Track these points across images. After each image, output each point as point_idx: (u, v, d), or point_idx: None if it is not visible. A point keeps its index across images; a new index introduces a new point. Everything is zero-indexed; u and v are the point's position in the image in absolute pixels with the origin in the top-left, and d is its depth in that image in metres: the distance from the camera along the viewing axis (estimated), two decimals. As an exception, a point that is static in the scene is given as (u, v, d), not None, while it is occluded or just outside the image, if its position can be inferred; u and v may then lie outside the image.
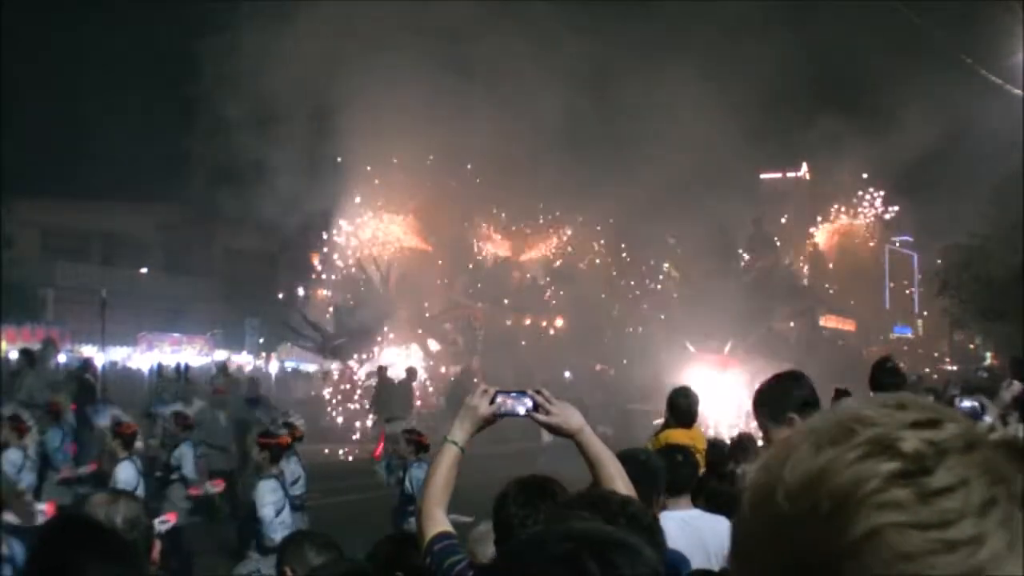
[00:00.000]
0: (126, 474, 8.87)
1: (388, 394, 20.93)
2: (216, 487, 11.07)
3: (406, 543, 3.66)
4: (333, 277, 28.71)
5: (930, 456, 0.76)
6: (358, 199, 28.57)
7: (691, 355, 27.18)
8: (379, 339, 26.66)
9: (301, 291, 28.96)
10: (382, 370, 21.82)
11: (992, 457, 0.78)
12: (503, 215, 32.66)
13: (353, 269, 28.21)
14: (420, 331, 27.70)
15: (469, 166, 29.15)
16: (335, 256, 28.78)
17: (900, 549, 0.74)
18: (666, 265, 34.77)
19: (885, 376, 5.78)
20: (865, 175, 48.72)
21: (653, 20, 29.05)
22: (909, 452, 0.76)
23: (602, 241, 34.51)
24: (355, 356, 26.18)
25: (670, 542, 3.91)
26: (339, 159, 26.94)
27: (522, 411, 2.92)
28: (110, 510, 2.51)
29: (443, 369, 27.59)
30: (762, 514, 0.80)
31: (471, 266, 32.14)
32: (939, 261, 35.89)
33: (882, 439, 0.77)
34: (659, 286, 34.06)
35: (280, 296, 28.56)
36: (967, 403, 5.26)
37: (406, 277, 28.56)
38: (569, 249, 34.32)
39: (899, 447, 0.76)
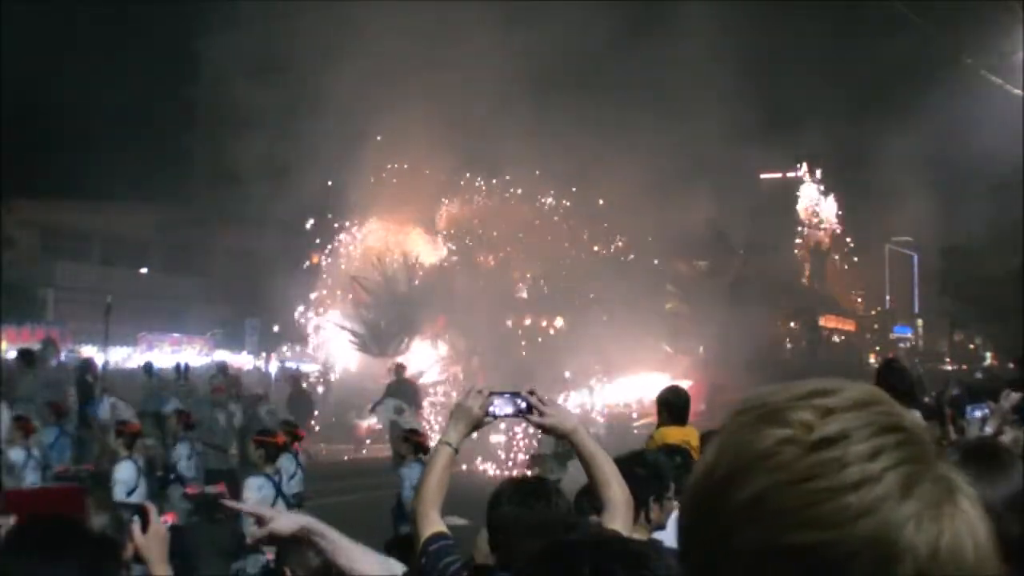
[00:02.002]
0: (125, 473, 8.88)
1: (299, 402, 20.95)
2: (217, 490, 11.09)
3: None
4: (341, 269, 28.56)
5: (815, 419, 0.78)
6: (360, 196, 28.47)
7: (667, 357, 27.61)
8: (407, 337, 26.61)
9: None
10: (296, 381, 21.89)
11: (884, 411, 0.80)
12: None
13: (373, 264, 28.03)
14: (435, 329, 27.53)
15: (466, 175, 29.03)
16: (342, 254, 28.67)
17: (784, 506, 0.76)
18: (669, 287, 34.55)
19: (892, 376, 5.73)
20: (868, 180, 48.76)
21: (648, 20, 29.00)
22: (796, 419, 0.79)
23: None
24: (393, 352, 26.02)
25: (667, 542, 3.94)
26: (344, 160, 26.88)
27: (515, 412, 2.92)
28: None
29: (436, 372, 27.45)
30: (685, 502, 0.85)
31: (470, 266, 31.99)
32: (940, 261, 35.99)
33: (769, 414, 0.80)
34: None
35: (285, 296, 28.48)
36: (978, 412, 5.09)
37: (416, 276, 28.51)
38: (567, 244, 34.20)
39: (785, 416, 0.79)
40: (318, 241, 28.86)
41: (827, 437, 0.77)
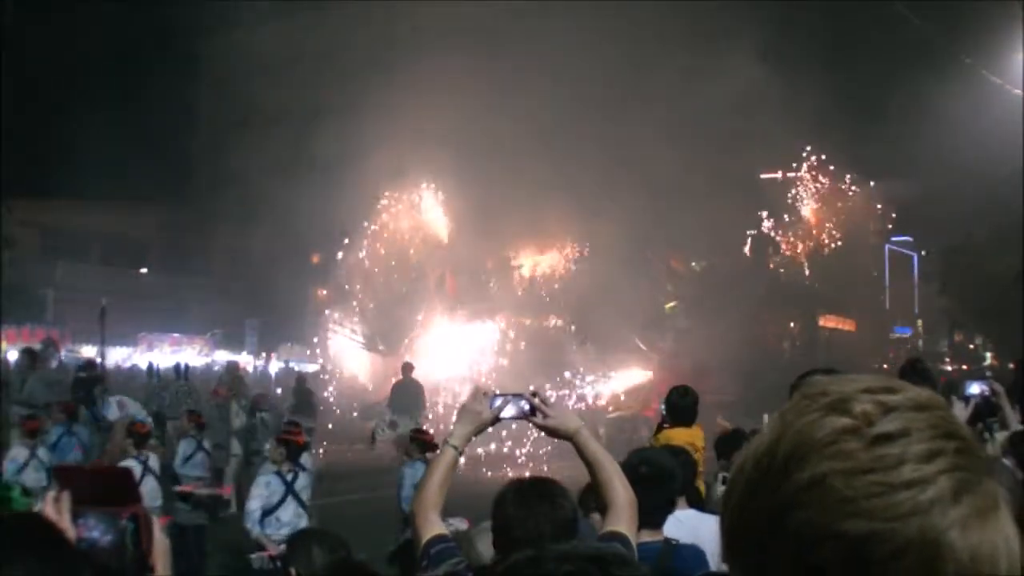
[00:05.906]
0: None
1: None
2: (210, 491, 11.11)
3: None
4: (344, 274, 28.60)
5: (878, 414, 0.81)
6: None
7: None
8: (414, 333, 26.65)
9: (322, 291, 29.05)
10: (300, 380, 21.98)
11: (943, 417, 0.83)
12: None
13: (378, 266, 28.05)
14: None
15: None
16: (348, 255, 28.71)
17: (841, 494, 0.78)
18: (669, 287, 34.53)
19: (916, 378, 5.69)
20: (873, 183, 48.68)
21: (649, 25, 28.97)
22: (858, 411, 0.82)
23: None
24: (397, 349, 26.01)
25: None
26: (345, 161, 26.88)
27: (519, 414, 2.92)
28: None
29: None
30: (737, 484, 0.87)
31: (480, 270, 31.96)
32: (939, 261, 35.98)
33: (835, 403, 0.83)
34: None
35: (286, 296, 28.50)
36: (975, 387, 5.10)
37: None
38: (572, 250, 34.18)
39: (850, 407, 0.82)
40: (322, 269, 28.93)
41: (888, 433, 0.80)
